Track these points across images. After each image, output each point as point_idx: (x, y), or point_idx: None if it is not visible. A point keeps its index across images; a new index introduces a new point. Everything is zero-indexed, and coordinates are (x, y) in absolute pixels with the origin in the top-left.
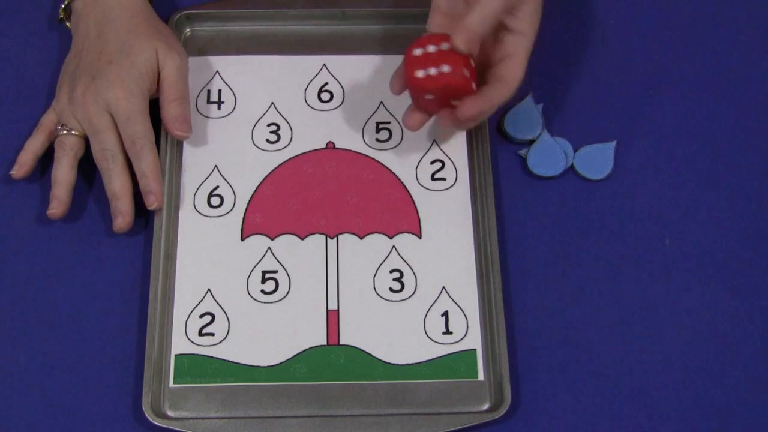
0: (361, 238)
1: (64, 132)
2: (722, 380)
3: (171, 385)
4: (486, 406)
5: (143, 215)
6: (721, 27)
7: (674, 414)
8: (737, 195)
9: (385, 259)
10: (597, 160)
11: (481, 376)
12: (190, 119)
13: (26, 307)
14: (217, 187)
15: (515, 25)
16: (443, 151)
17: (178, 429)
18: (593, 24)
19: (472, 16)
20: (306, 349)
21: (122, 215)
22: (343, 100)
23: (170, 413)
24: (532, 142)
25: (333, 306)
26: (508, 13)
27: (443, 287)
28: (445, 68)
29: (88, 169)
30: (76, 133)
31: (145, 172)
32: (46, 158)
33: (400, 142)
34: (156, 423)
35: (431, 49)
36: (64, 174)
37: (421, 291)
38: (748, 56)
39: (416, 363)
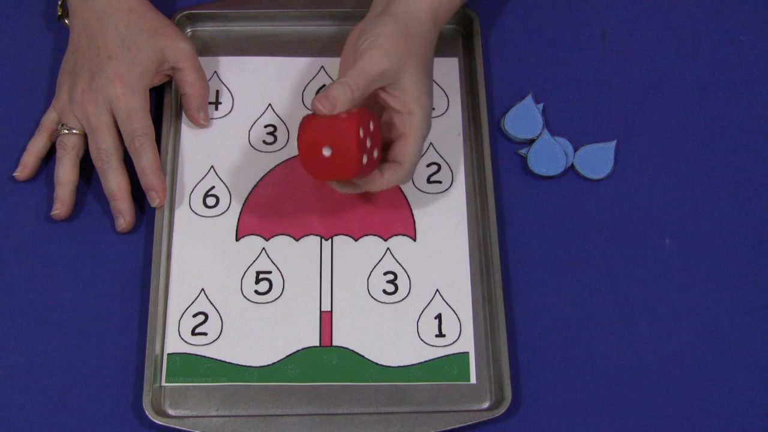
0: (356, 240)
1: (65, 131)
2: (722, 380)
3: (163, 383)
4: (485, 405)
5: (143, 214)
6: (721, 27)
7: (674, 414)
8: (737, 195)
9: (380, 261)
10: (597, 160)
11: (473, 379)
12: (207, 108)
13: (27, 306)
14: (213, 187)
15: (397, 105)
16: (440, 155)
17: (178, 427)
18: (593, 24)
19: (334, 86)
20: (299, 350)
21: (123, 215)
22: None
23: (170, 411)
24: (532, 141)
25: (326, 307)
26: (383, 91)
27: (437, 290)
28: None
29: (88, 167)
30: (77, 131)
31: (146, 170)
32: (48, 156)
33: None
34: (156, 421)
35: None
36: (66, 174)
37: (415, 293)
38: (748, 56)
39: (409, 365)
